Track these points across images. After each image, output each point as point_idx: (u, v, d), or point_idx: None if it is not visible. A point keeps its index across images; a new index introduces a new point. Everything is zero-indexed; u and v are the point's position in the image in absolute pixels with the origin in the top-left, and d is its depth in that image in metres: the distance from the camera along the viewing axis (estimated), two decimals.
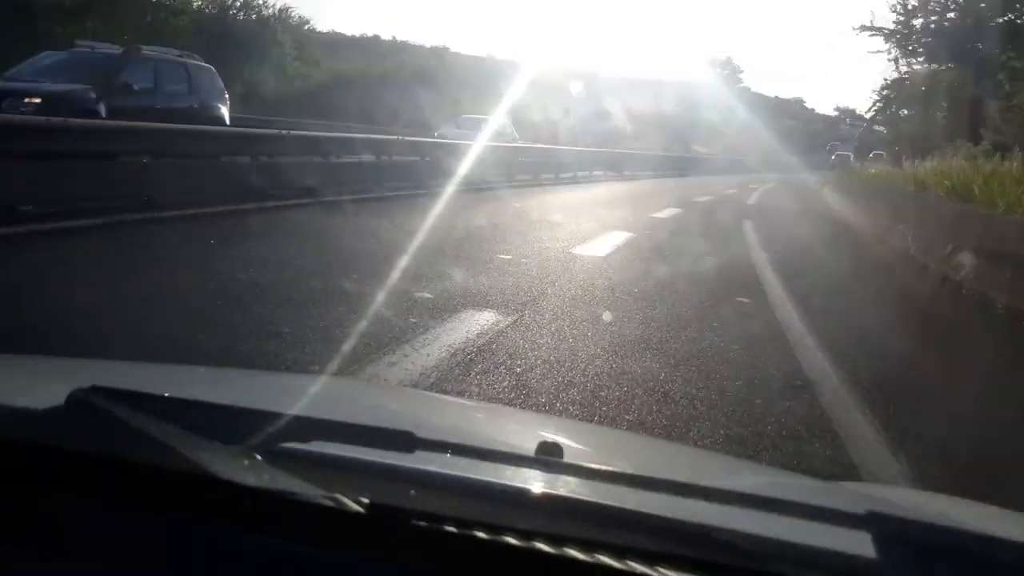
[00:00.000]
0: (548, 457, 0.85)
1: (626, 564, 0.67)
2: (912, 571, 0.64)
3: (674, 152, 42.80)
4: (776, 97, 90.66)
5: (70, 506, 0.77)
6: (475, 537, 0.71)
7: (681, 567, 0.67)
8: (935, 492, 1.37)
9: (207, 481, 0.75)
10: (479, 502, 0.76)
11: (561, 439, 0.90)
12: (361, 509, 0.73)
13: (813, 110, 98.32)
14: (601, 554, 0.68)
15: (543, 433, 0.93)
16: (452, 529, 0.72)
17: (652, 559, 0.67)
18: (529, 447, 0.88)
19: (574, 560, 0.68)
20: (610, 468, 0.86)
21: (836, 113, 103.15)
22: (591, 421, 3.01)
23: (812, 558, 0.67)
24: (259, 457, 0.79)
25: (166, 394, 0.90)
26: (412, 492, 0.76)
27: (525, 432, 1.37)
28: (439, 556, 0.72)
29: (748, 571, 0.67)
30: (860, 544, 0.64)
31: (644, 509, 0.72)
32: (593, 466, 0.84)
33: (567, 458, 0.86)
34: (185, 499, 0.76)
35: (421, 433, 0.83)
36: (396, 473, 0.80)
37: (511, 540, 0.70)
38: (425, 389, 3.21)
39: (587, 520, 0.72)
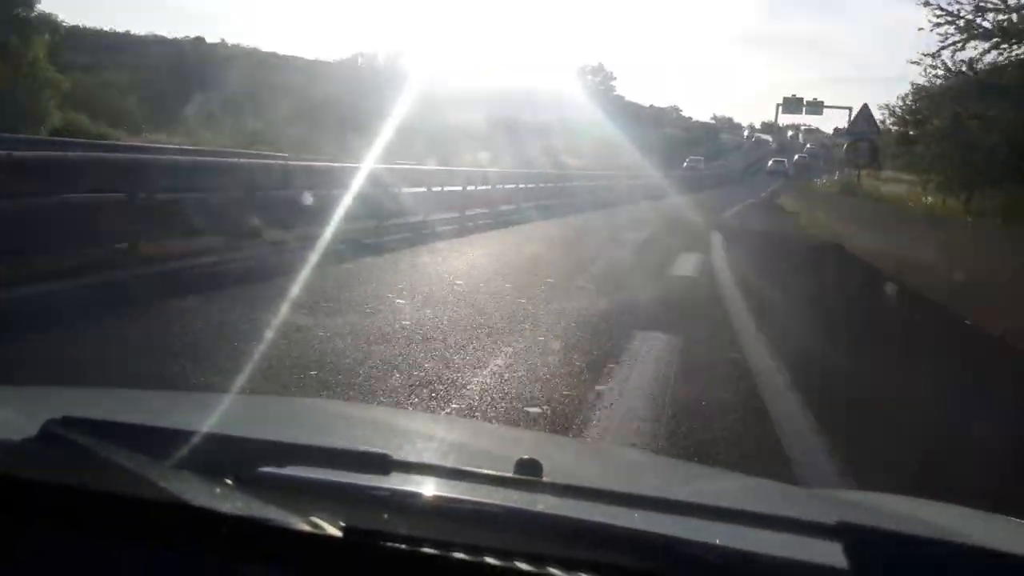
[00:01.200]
0: (526, 476, 0.85)
1: None
2: None
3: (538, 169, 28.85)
4: (652, 105, 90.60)
5: (45, 537, 0.77)
6: (453, 559, 0.71)
7: None
8: (905, 496, 1.40)
9: (180, 509, 0.75)
10: (456, 523, 0.77)
11: (539, 455, 0.91)
12: (337, 533, 0.73)
13: (690, 118, 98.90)
14: (582, 572, 0.68)
15: (520, 450, 0.93)
16: (430, 551, 0.72)
17: None
18: (507, 465, 0.88)
19: None
20: (588, 485, 0.87)
21: (713, 121, 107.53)
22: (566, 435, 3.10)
23: (784, 570, 0.69)
24: (232, 484, 0.79)
25: (138, 422, 0.90)
26: (385, 516, 0.76)
27: (502, 449, 1.37)
28: None
29: None
30: (831, 554, 0.66)
31: (620, 525, 0.74)
32: (571, 483, 0.85)
33: (546, 475, 0.86)
34: (158, 528, 0.76)
35: (396, 454, 0.84)
36: (372, 496, 0.80)
37: (490, 561, 0.70)
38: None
39: (566, 538, 0.73)
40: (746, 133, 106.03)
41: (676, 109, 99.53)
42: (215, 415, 1.33)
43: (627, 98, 74.30)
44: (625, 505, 0.80)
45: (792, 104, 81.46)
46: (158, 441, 0.84)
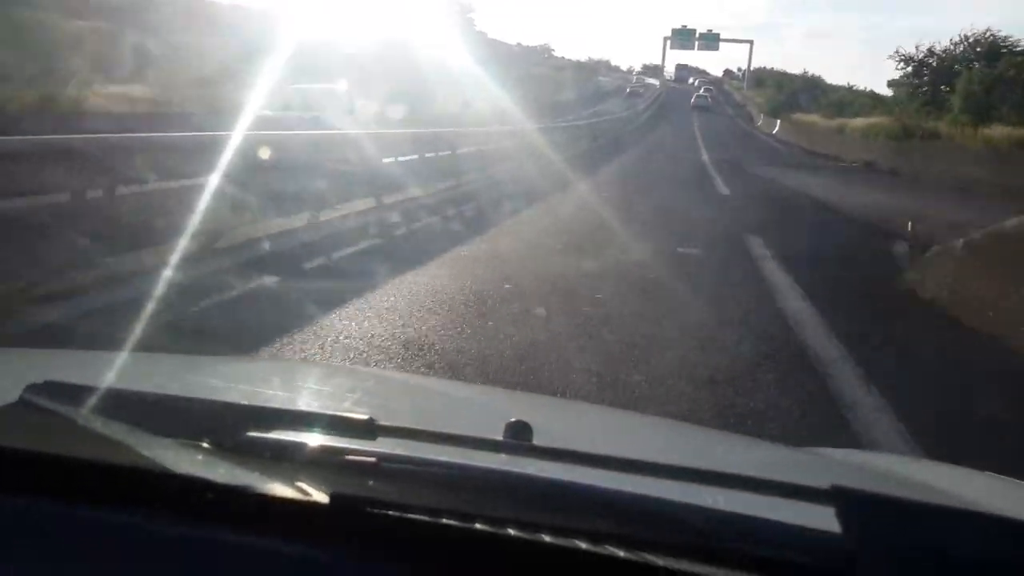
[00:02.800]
0: (516, 441, 0.87)
1: (604, 549, 0.68)
2: (875, 545, 0.67)
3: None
4: (520, 44, 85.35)
5: (25, 507, 0.74)
6: (442, 525, 0.71)
7: (654, 550, 0.69)
8: (904, 456, 1.50)
9: (162, 476, 0.74)
10: (444, 489, 0.77)
11: (529, 418, 0.92)
12: (324, 500, 0.72)
13: (563, 57, 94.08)
14: (573, 538, 0.69)
15: (511, 412, 0.92)
16: (418, 518, 0.72)
17: (629, 544, 0.69)
18: (497, 428, 0.89)
19: (547, 546, 0.69)
20: (579, 449, 0.85)
21: (588, 61, 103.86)
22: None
23: (776, 532, 0.71)
24: (213, 450, 0.79)
25: (120, 387, 0.88)
26: (373, 482, 0.76)
27: (492, 412, 1.37)
28: (406, 546, 0.73)
29: (717, 550, 0.70)
30: (825, 518, 0.68)
31: (611, 489, 0.75)
32: (561, 448, 0.84)
33: (536, 438, 0.88)
34: (139, 495, 0.74)
35: (384, 418, 0.84)
36: (358, 462, 0.79)
37: (480, 527, 0.70)
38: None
39: (556, 504, 0.74)
40: (634, 76, 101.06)
41: (547, 48, 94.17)
42: (198, 379, 1.34)
43: (490, 35, 67.71)
44: (615, 469, 0.80)
45: (682, 37, 77.76)
46: (139, 407, 0.83)
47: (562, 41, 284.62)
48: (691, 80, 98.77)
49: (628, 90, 70.11)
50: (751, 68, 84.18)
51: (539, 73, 59.48)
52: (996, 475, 1.23)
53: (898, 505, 0.71)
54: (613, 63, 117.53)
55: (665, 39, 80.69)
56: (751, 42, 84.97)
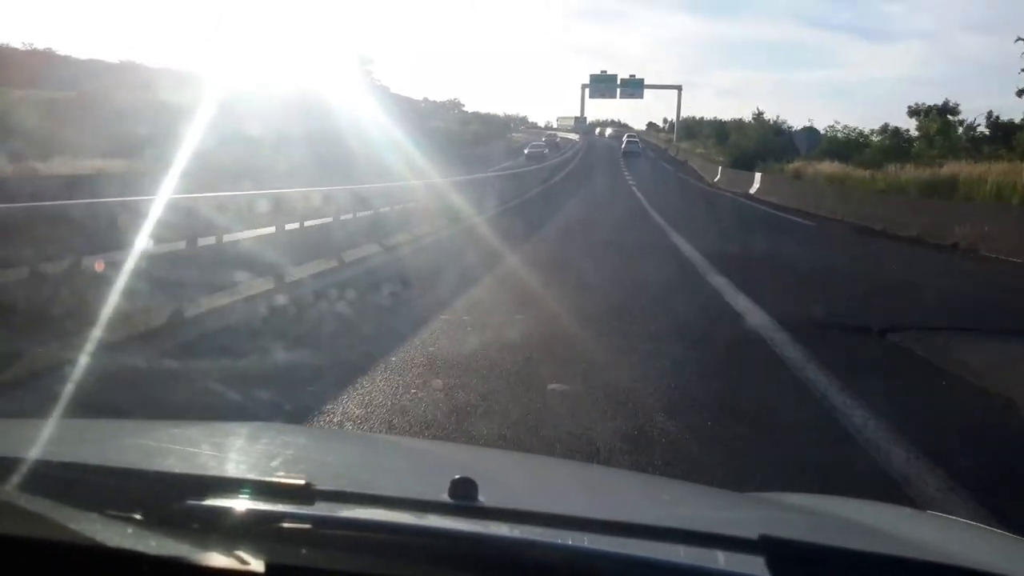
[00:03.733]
0: (460, 501, 0.84)
1: None
2: None
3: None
4: (426, 99, 70.64)
5: None
6: None
7: None
8: (833, 496, 1.44)
9: (91, 551, 0.71)
10: (387, 555, 0.75)
11: (473, 473, 0.89)
12: (260, 569, 0.71)
13: (475, 111, 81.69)
14: None
15: (455, 468, 0.91)
16: None
17: None
18: (441, 485, 0.86)
19: None
20: (522, 506, 0.88)
21: (504, 116, 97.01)
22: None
23: None
24: (144, 521, 0.76)
25: (45, 458, 0.86)
26: (311, 550, 0.74)
27: (436, 468, 1.32)
28: None
29: None
30: (754, 568, 0.70)
31: (556, 550, 0.76)
32: (505, 507, 0.86)
33: (482, 493, 0.86)
34: (68, 572, 0.72)
35: (321, 480, 0.83)
36: (296, 529, 0.77)
37: None
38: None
39: (503, 566, 0.73)
40: (555, 126, 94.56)
41: (457, 104, 79.64)
42: (128, 445, 1.27)
43: (392, 90, 57.82)
44: (559, 527, 0.81)
45: (603, 84, 68.91)
46: (65, 479, 0.81)
47: (475, 96, 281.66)
48: (602, 131, 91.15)
49: (527, 151, 47.92)
50: (680, 118, 75.39)
51: (437, 127, 49.50)
52: (935, 513, 1.36)
53: (824, 553, 0.74)
54: (531, 119, 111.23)
55: (584, 87, 72.52)
56: (679, 88, 76.17)
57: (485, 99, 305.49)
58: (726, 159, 40.93)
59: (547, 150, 51.98)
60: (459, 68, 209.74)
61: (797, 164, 28.63)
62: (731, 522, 1.15)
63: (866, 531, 1.13)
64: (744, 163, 35.43)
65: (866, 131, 32.88)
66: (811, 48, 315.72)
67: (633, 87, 70.98)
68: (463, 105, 77.73)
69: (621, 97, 71.80)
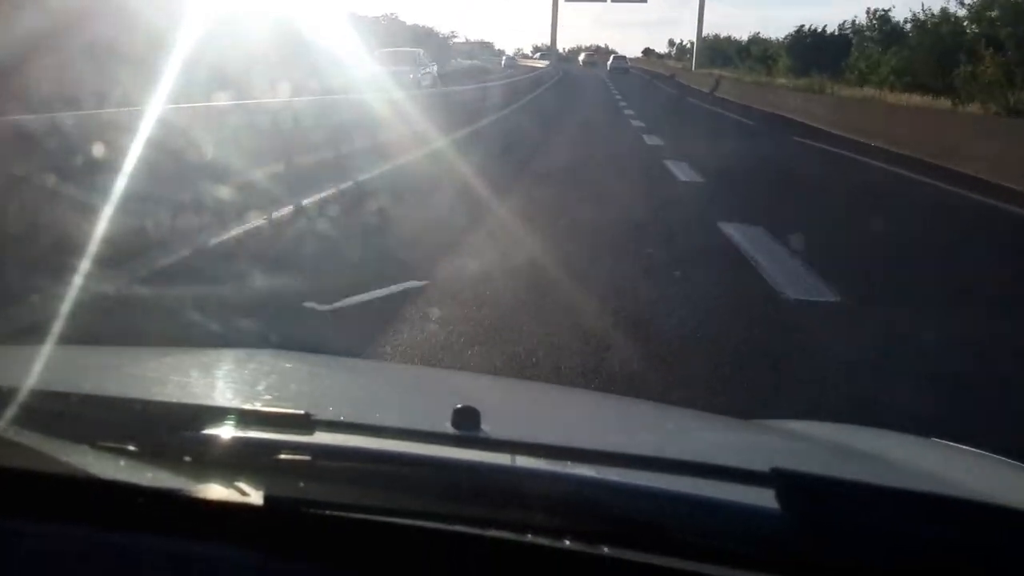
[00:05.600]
0: (461, 431, 0.83)
1: (552, 541, 0.68)
2: (813, 527, 0.69)
3: None
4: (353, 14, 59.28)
5: None
6: (385, 524, 0.69)
7: (602, 541, 0.69)
8: (844, 424, 1.41)
9: (86, 484, 0.71)
10: (387, 486, 0.74)
11: (477, 402, 0.88)
12: (259, 502, 0.70)
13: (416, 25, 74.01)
14: (526, 533, 0.68)
15: (457, 397, 0.89)
16: (358, 517, 0.70)
17: (575, 536, 0.68)
18: (444, 415, 0.85)
19: (495, 540, 0.68)
20: (526, 436, 0.87)
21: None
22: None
23: (721, 519, 0.71)
24: (139, 452, 0.75)
25: (36, 387, 0.83)
26: (309, 482, 0.73)
27: (439, 397, 1.29)
28: (347, 547, 0.71)
29: (663, 537, 0.70)
30: (765, 501, 0.69)
31: (559, 481, 0.75)
32: (507, 439, 0.84)
33: (484, 423, 0.85)
34: (60, 504, 0.71)
35: (320, 409, 0.82)
36: (295, 460, 0.76)
37: (426, 524, 0.69)
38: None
39: (499, 497, 0.72)
40: (504, 58, 73.59)
41: (392, 18, 59.50)
42: (121, 374, 1.25)
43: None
44: (563, 458, 0.80)
45: None
46: (56, 410, 0.80)
47: (447, 19, 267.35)
48: (586, 57, 76.28)
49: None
50: (702, 29, 54.99)
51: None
52: (941, 441, 1.29)
53: (837, 486, 0.73)
54: (499, 47, 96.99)
55: None
56: None
57: (459, 22, 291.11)
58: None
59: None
60: None
61: None
62: (741, 453, 1.14)
63: (878, 462, 1.12)
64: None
65: None
66: None
67: None
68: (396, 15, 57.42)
69: (613, 1, 52.79)
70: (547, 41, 67.19)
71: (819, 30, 39.12)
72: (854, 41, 33.57)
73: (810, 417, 1.63)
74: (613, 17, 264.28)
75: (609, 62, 59.35)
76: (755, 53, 46.41)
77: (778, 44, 42.89)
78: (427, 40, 47.01)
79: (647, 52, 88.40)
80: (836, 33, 37.88)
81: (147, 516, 0.70)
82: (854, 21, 35.79)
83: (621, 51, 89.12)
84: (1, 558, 0.69)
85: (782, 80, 33.43)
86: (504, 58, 67.50)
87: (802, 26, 39.93)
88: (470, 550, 0.69)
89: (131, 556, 0.70)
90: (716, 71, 43.70)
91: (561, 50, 77.29)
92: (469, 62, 50.40)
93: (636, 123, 18.73)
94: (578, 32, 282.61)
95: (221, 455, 0.77)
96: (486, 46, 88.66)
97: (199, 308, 3.76)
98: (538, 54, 78.83)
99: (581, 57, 75.92)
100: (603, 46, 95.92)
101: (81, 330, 3.09)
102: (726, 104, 27.90)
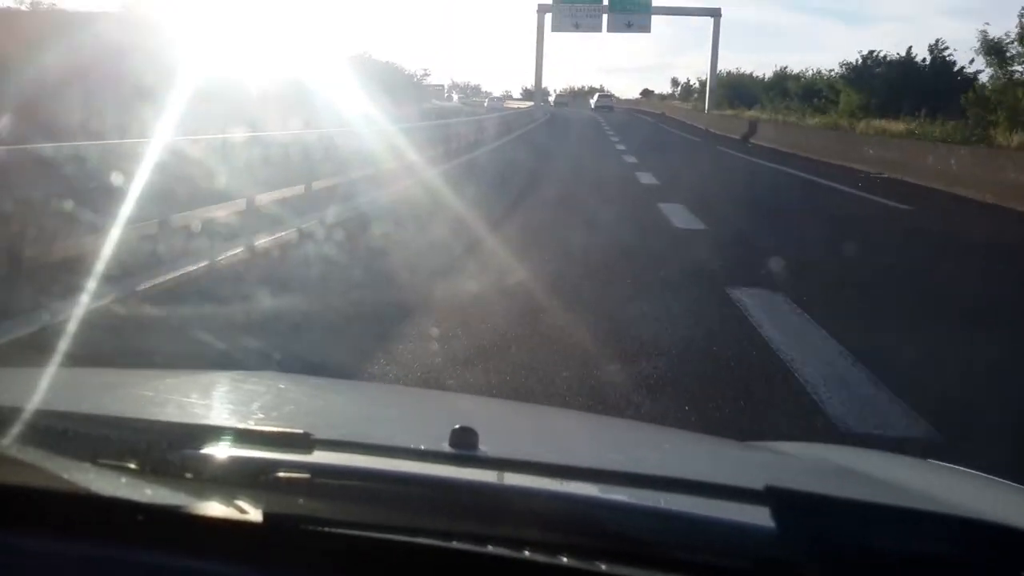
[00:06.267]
0: (459, 450, 0.84)
1: (551, 558, 0.68)
2: (808, 544, 0.69)
3: None
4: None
5: None
6: (384, 541, 0.70)
7: (599, 557, 0.69)
8: (837, 445, 1.47)
9: (84, 500, 0.72)
10: (386, 504, 0.74)
11: (475, 423, 0.88)
12: (258, 519, 0.71)
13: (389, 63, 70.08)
14: (524, 550, 0.69)
15: (456, 418, 0.90)
16: (357, 534, 0.70)
17: (572, 552, 0.69)
18: (442, 436, 0.86)
19: (496, 558, 0.68)
20: (524, 455, 0.87)
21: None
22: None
23: (716, 537, 0.72)
24: (139, 470, 0.76)
25: (38, 407, 0.84)
26: (309, 499, 0.74)
27: (437, 419, 1.30)
28: (347, 564, 0.71)
29: (658, 555, 0.70)
30: (760, 518, 0.70)
31: (557, 499, 0.76)
32: (506, 457, 0.85)
33: (483, 443, 0.85)
34: (61, 520, 0.72)
35: (320, 429, 0.83)
36: (294, 479, 0.76)
37: (424, 541, 0.69)
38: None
39: (497, 514, 0.73)
40: (487, 100, 71.11)
41: (365, 57, 54.30)
42: (122, 395, 1.26)
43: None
44: (560, 477, 0.81)
45: (577, 5, 40.17)
46: (58, 428, 0.80)
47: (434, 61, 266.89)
48: (549, 97, 65.84)
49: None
50: (716, 64, 47.24)
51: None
52: (936, 462, 1.31)
53: (831, 503, 0.74)
54: (486, 89, 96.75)
55: (540, 8, 42.81)
56: (716, 12, 46.07)
57: (444, 64, 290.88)
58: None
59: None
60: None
61: None
62: (736, 472, 1.15)
63: (872, 481, 1.13)
64: None
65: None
66: (791, 31, 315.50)
67: (633, 8, 41.06)
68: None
69: (611, 30, 42.22)
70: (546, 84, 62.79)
71: (904, 56, 31.38)
72: (987, 65, 22.12)
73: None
74: (612, 62, 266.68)
75: (593, 100, 58.22)
76: (794, 89, 39.09)
77: (830, 77, 34.42)
78: (391, 79, 35.88)
79: (646, 93, 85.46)
80: (927, 60, 30.79)
81: (148, 533, 0.71)
82: (937, 42, 29.99)
83: (620, 95, 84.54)
84: (3, 574, 0.70)
85: (857, 122, 26.56)
86: (487, 100, 65.35)
87: (872, 51, 32.25)
88: (468, 567, 0.69)
89: (132, 572, 0.71)
90: (732, 112, 38.30)
91: (552, 91, 71.87)
92: (445, 103, 46.34)
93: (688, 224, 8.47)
94: (574, 76, 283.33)
95: (221, 473, 0.77)
96: (472, 88, 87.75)
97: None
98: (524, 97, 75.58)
99: (551, 98, 67.81)
100: (600, 87, 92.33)
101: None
102: (780, 157, 19.43)
